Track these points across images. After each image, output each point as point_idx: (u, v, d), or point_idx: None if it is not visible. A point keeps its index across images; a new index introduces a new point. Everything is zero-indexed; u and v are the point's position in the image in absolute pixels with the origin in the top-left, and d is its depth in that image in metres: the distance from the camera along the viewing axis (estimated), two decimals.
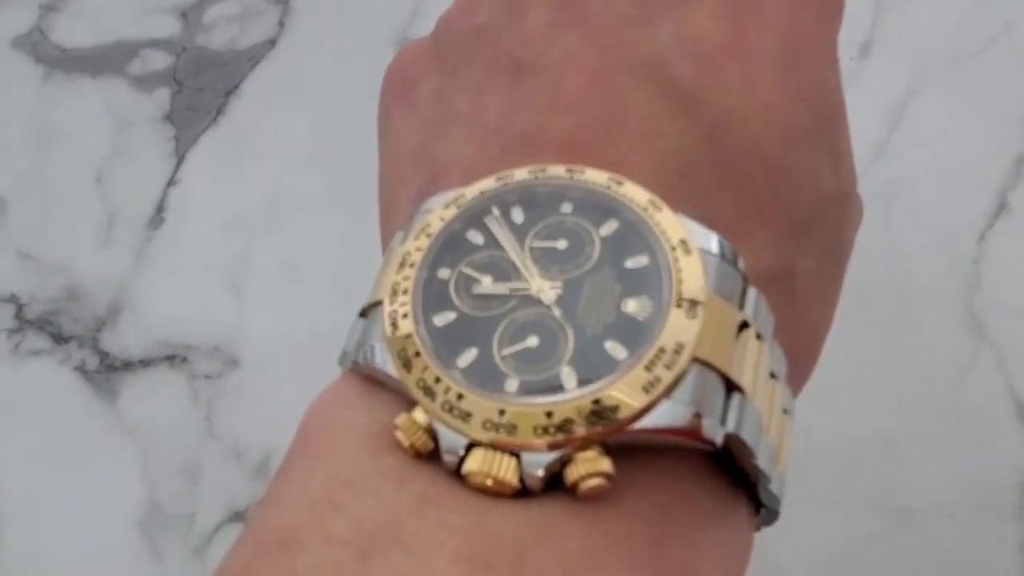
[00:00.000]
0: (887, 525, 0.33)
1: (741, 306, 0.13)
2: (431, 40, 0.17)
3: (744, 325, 0.13)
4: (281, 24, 0.41)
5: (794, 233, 0.14)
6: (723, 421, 0.12)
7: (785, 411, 0.14)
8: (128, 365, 0.38)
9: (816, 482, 0.34)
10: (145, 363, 0.38)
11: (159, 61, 0.40)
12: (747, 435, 0.12)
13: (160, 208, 0.39)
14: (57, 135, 0.41)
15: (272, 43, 0.40)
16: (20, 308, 0.39)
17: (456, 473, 0.12)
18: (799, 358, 0.15)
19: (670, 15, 0.15)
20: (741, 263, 0.13)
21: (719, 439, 0.12)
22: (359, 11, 0.41)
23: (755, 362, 0.13)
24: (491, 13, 0.16)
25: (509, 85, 0.15)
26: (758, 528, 0.15)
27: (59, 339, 0.39)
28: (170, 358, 0.38)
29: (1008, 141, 0.35)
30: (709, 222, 0.13)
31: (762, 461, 0.13)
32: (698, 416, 0.12)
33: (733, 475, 0.13)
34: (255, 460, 0.37)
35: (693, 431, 0.12)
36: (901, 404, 0.34)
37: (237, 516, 0.37)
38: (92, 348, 0.38)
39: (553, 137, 0.14)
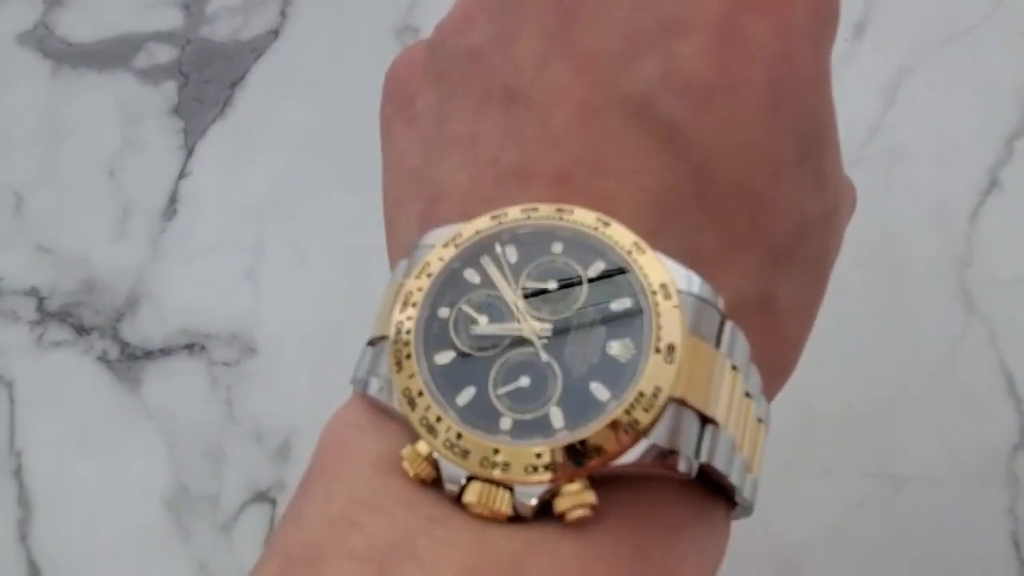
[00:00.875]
0: (880, 492, 0.34)
1: (718, 341, 0.14)
2: (428, 50, 0.17)
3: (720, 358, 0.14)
4: (283, 14, 0.41)
5: (775, 260, 0.15)
6: (697, 453, 0.13)
7: (760, 420, 0.15)
8: (149, 354, 0.39)
9: (811, 453, 0.35)
10: (165, 352, 0.39)
11: (164, 54, 0.41)
12: (719, 462, 0.14)
13: (172, 200, 0.40)
14: (68, 129, 0.41)
15: (275, 34, 0.41)
16: (41, 301, 0.40)
17: (457, 500, 0.13)
18: (776, 370, 0.16)
19: (658, 51, 0.15)
20: (720, 302, 0.14)
21: (693, 471, 0.13)
22: None
23: (730, 391, 0.14)
24: (485, 33, 0.16)
25: (502, 114, 0.15)
26: (736, 517, 0.16)
27: (80, 330, 0.40)
28: (189, 346, 0.39)
29: (1000, 119, 0.36)
30: (691, 256, 0.14)
31: (735, 477, 0.14)
32: (673, 452, 0.13)
33: (709, 484, 0.15)
34: (276, 442, 0.38)
35: (669, 466, 0.13)
36: (894, 376, 0.36)
37: (261, 496, 0.38)
38: (113, 338, 0.40)
39: (543, 171, 0.15)
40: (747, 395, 0.15)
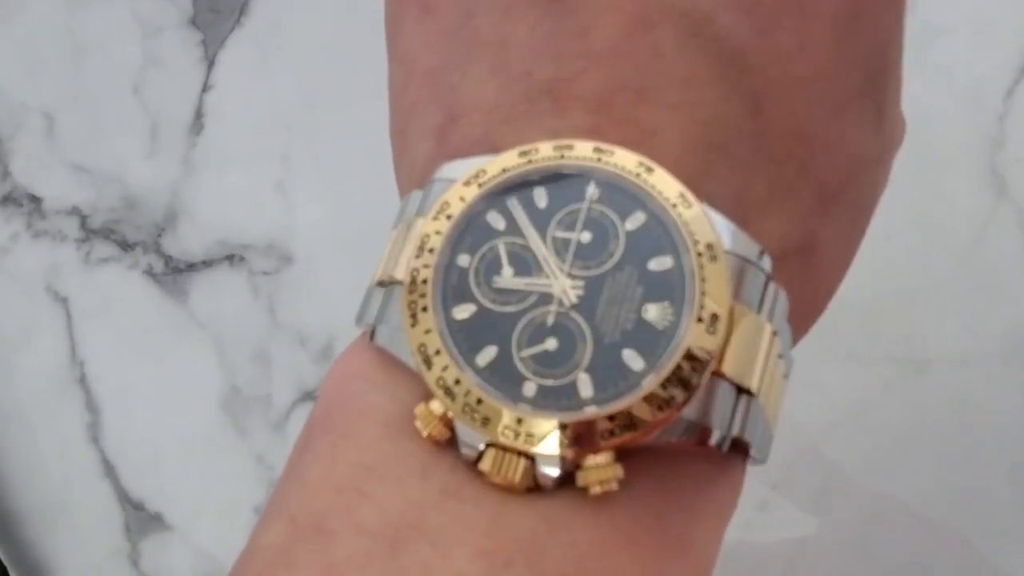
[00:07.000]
0: (904, 375, 0.35)
1: (761, 303, 0.13)
2: None
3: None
4: None
5: (822, 205, 0.14)
6: (730, 427, 0.13)
7: (784, 376, 0.14)
8: (192, 266, 0.41)
9: (837, 337, 0.36)
10: (207, 263, 0.41)
11: None
12: (750, 435, 0.13)
13: (199, 114, 0.41)
14: (88, 47, 0.41)
15: None
16: (84, 219, 0.42)
17: (473, 464, 0.12)
18: (807, 321, 0.15)
19: None
20: (766, 262, 0.13)
21: (726, 446, 0.13)
22: None
23: (766, 357, 0.13)
24: None
25: (538, 18, 0.13)
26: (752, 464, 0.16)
27: (125, 246, 0.41)
28: (229, 258, 0.41)
29: None
30: (735, 200, 0.13)
31: (758, 443, 0.13)
32: (707, 429, 0.12)
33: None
34: (319, 345, 0.40)
35: (700, 441, 0.12)
36: (921, 259, 0.36)
37: (309, 396, 0.41)
38: (156, 252, 0.41)
39: (581, 93, 0.13)
40: (779, 356, 0.13)
